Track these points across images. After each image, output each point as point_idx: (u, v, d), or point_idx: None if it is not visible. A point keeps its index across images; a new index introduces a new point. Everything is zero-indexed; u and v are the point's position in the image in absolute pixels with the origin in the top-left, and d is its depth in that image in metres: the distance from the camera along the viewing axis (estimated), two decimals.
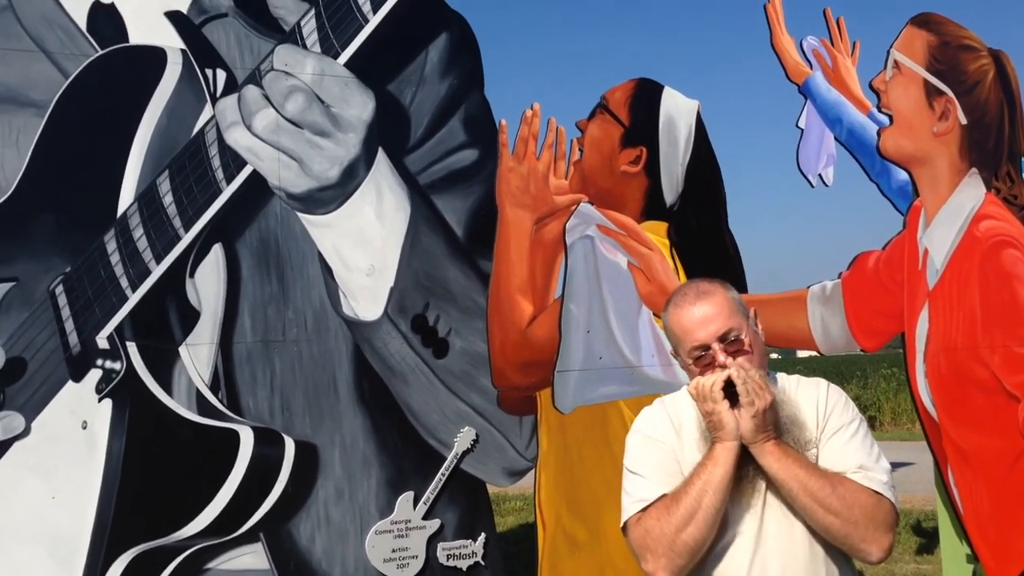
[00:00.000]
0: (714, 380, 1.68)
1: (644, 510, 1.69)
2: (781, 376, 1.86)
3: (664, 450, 1.75)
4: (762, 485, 1.70)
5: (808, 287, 2.98)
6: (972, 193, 2.84)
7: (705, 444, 1.72)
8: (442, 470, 3.93)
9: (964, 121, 2.85)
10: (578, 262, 2.90)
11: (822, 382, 1.85)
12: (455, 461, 3.96)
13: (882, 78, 2.98)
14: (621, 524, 1.74)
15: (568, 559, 2.88)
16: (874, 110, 3.17)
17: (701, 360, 1.72)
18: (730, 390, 1.68)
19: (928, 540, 6.52)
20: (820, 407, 1.79)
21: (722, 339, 1.72)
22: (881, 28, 3.26)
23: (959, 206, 2.83)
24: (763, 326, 2.62)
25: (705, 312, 1.73)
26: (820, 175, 3.75)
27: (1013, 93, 2.95)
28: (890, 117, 2.96)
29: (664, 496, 1.68)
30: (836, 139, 3.63)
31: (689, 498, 1.64)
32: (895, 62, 2.90)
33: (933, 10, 3.18)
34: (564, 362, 2.88)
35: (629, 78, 3.23)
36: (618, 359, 2.82)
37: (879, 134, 3.00)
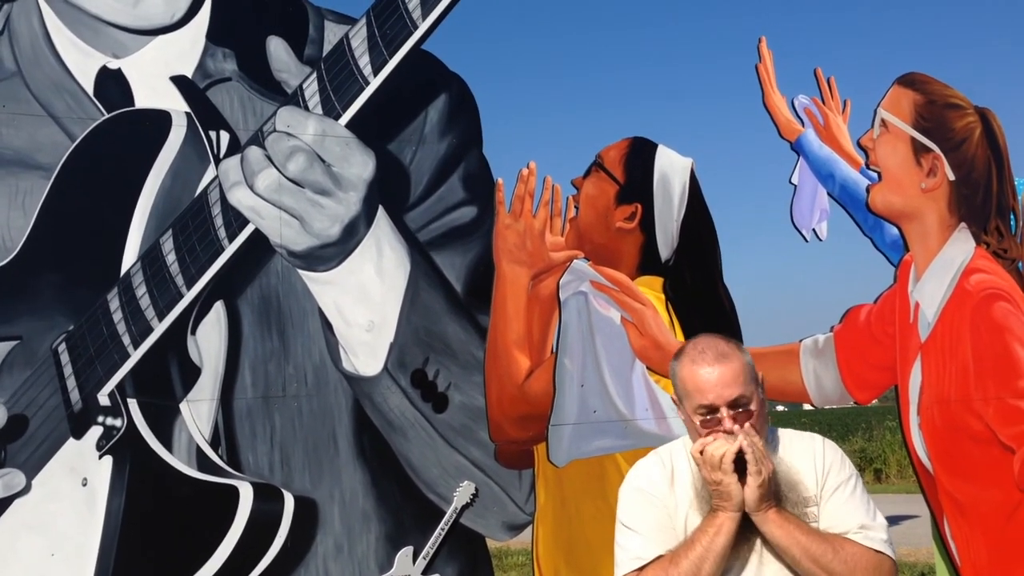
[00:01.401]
0: (725, 451, 1.68)
1: (640, 570, 1.70)
2: (780, 431, 1.88)
3: (658, 506, 1.77)
4: (759, 548, 1.72)
5: (800, 340, 3.01)
6: (962, 247, 2.89)
7: (700, 502, 1.73)
8: (441, 524, 3.93)
9: (952, 177, 2.90)
10: (572, 317, 2.94)
11: (816, 437, 1.86)
12: (455, 515, 3.96)
13: (870, 136, 3.04)
14: None
15: None
16: (864, 166, 3.24)
17: (707, 421, 1.73)
18: (738, 461, 1.69)
19: None
20: (818, 465, 1.80)
21: (731, 405, 1.74)
22: (871, 87, 3.34)
23: (949, 260, 2.87)
24: None
25: (722, 375, 1.74)
26: (814, 230, 3.80)
27: (1000, 149, 3.01)
28: (879, 174, 3.02)
29: (661, 557, 1.69)
30: (829, 194, 3.69)
31: (689, 563, 1.65)
32: (882, 120, 2.97)
33: (921, 70, 3.25)
34: (558, 416, 2.91)
35: (623, 137, 3.30)
36: (612, 413, 2.85)
37: (868, 190, 3.05)
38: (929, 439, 2.79)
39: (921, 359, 2.81)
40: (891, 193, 2.96)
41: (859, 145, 3.12)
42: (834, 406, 3.10)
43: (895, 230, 3.34)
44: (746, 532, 1.71)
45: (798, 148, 3.74)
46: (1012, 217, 2.94)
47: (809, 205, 3.76)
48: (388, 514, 3.88)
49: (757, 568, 1.71)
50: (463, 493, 4.00)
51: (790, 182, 3.76)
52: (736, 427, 1.69)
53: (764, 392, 1.80)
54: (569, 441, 2.88)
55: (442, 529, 3.95)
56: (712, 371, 1.74)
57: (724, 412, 1.71)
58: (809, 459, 1.81)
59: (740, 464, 1.67)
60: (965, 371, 2.77)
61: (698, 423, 1.72)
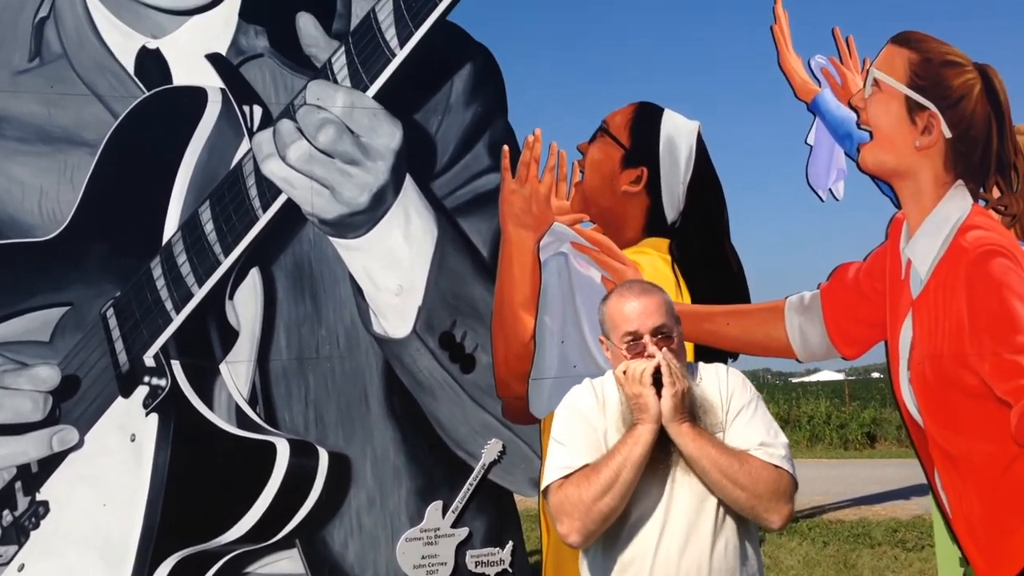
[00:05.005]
0: (645, 367, 1.84)
1: (566, 477, 1.85)
2: (693, 364, 2.01)
3: (588, 424, 1.92)
4: (673, 465, 1.85)
5: (785, 298, 3.07)
6: (958, 204, 2.89)
7: (624, 424, 1.88)
8: (470, 480, 4.10)
9: (949, 135, 2.91)
10: (552, 277, 3.05)
11: (721, 366, 2.01)
12: (483, 471, 4.12)
13: (861, 96, 3.05)
14: (542, 488, 1.91)
15: (572, 563, 3.00)
16: (856, 126, 3.24)
17: (632, 346, 1.89)
18: (655, 378, 1.83)
19: None
20: (723, 390, 1.94)
21: (654, 332, 1.88)
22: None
23: (944, 217, 2.88)
24: (740, 335, 2.81)
25: (646, 306, 1.91)
26: (831, 189, 3.83)
27: (1001, 105, 2.98)
28: (870, 133, 3.04)
29: (585, 466, 1.84)
30: (847, 154, 3.70)
31: (609, 471, 1.81)
32: (875, 80, 2.98)
33: (933, 29, 3.24)
34: (539, 370, 3.03)
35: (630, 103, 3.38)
36: (592, 367, 2.96)
37: (858, 150, 3.08)
38: (920, 393, 2.83)
39: (912, 315, 2.84)
40: (883, 152, 2.97)
41: (850, 105, 3.14)
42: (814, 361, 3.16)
43: None
44: (664, 453, 1.84)
45: (815, 108, 3.75)
46: (1014, 173, 2.93)
47: (826, 165, 3.79)
48: (418, 470, 4.06)
49: (671, 487, 1.85)
50: (491, 450, 4.16)
51: (806, 143, 3.79)
52: (656, 349, 1.85)
53: (681, 329, 1.94)
54: (549, 394, 3.01)
55: (470, 485, 4.12)
56: (637, 303, 1.91)
57: (647, 338, 1.86)
58: (715, 386, 1.94)
59: (658, 382, 1.82)
60: (959, 327, 2.79)
61: (624, 349, 1.88)
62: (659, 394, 1.83)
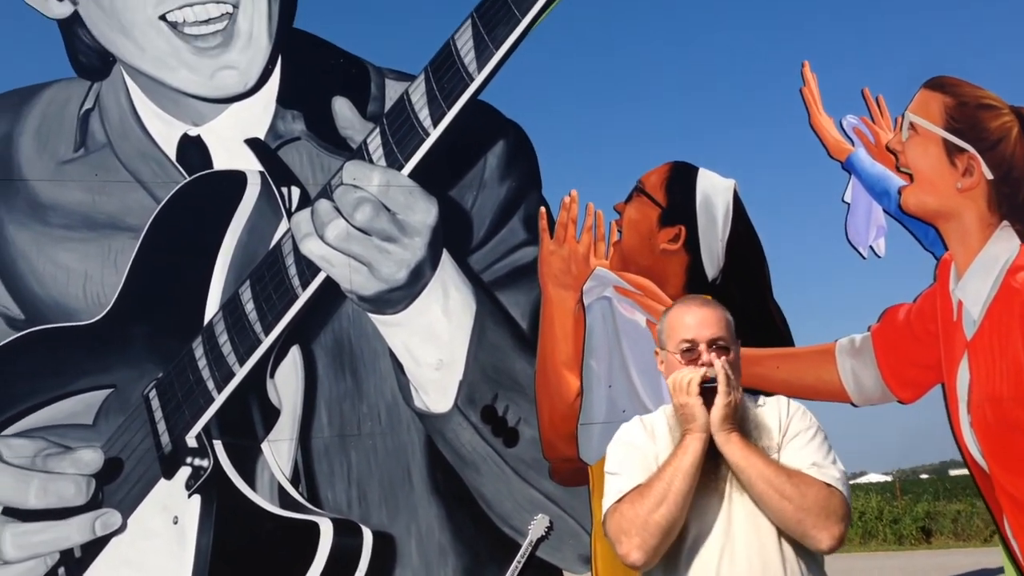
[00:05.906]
0: (692, 377, 1.80)
1: (619, 500, 1.80)
2: (749, 395, 1.96)
3: (639, 450, 1.87)
4: (729, 484, 1.80)
5: (836, 340, 3.02)
6: (1006, 245, 2.86)
7: (675, 441, 1.83)
8: (518, 557, 4.00)
9: (990, 176, 2.89)
10: (596, 321, 3.02)
11: (783, 398, 1.96)
12: (530, 548, 4.02)
13: (898, 139, 3.05)
14: (602, 521, 1.85)
15: None
16: (896, 168, 3.23)
17: (688, 353, 1.86)
18: (704, 389, 1.79)
19: None
20: (782, 416, 1.89)
21: (710, 343, 1.85)
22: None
23: (993, 258, 2.84)
24: (790, 379, 2.76)
25: (705, 316, 1.90)
26: (872, 247, 3.79)
27: None
28: (910, 176, 3.03)
29: (638, 485, 1.79)
30: (885, 211, 3.68)
31: (661, 483, 1.76)
32: (911, 124, 2.98)
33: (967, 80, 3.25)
34: (587, 415, 2.98)
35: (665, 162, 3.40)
36: (640, 411, 2.89)
37: (900, 192, 3.06)
38: (982, 437, 2.74)
39: (968, 357, 2.78)
40: (924, 194, 2.96)
41: (887, 148, 3.13)
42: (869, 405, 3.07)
43: None
44: (718, 472, 1.79)
45: (849, 167, 3.75)
46: None
47: (865, 222, 3.76)
48: (464, 548, 3.96)
49: (728, 506, 1.79)
50: (538, 526, 4.06)
51: (843, 200, 3.77)
52: (713, 357, 1.81)
53: (739, 348, 1.90)
54: (599, 439, 2.95)
55: (518, 562, 4.01)
56: (696, 312, 1.90)
57: (703, 347, 1.83)
58: (775, 414, 1.89)
59: (706, 396, 1.77)
60: (1018, 368, 2.72)
61: (678, 356, 1.84)
62: (707, 405, 1.79)
